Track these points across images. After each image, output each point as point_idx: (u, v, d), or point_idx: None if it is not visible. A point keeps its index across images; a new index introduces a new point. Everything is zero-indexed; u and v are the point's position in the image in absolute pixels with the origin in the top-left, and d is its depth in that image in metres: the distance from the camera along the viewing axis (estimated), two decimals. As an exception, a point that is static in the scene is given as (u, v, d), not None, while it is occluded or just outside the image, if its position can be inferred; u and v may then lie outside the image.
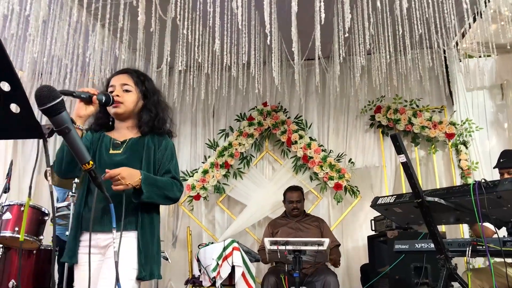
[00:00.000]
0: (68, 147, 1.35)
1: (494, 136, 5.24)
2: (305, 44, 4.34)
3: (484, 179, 2.58)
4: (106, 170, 1.72)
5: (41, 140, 1.08)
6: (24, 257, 3.83)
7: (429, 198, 2.65)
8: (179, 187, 1.98)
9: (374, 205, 3.06)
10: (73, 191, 3.69)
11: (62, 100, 1.17)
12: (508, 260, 3.34)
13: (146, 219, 1.90)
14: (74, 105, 1.85)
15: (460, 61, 5.22)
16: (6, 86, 1.00)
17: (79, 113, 1.80)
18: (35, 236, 3.69)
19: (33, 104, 1.06)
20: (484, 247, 2.68)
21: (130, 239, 1.84)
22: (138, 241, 1.84)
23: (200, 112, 5.55)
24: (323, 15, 2.74)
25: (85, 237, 1.89)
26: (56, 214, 3.82)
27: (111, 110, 1.97)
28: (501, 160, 3.36)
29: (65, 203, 3.85)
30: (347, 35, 3.30)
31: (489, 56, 5.12)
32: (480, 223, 2.53)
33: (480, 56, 4.75)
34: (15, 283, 3.68)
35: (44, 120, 1.23)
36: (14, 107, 1.02)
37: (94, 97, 1.80)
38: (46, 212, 3.82)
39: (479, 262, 4.32)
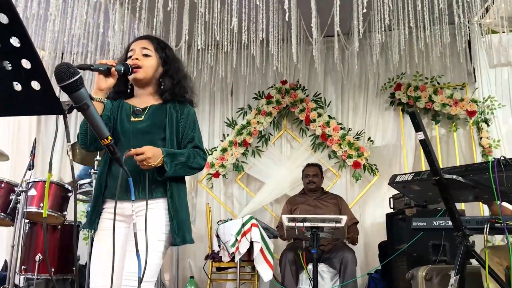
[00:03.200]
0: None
1: (517, 113, 5.15)
2: (324, 20, 4.30)
3: (504, 157, 2.57)
4: (132, 150, 1.74)
5: (61, 116, 1.11)
6: (49, 232, 3.95)
7: (447, 176, 2.65)
8: (202, 155, 1.98)
9: (392, 182, 3.07)
10: (95, 168, 3.78)
11: (81, 77, 1.20)
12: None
13: (174, 186, 1.92)
14: (94, 78, 1.87)
15: (483, 36, 5.11)
16: (27, 64, 1.03)
17: (99, 86, 1.79)
18: (59, 211, 3.81)
19: (53, 82, 1.10)
20: (502, 224, 2.68)
21: (158, 207, 1.87)
22: (169, 208, 1.86)
23: (219, 91, 5.56)
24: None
25: (108, 204, 1.92)
26: (79, 191, 3.91)
27: (130, 76, 1.95)
28: None
29: (87, 180, 3.94)
30: (365, 10, 3.26)
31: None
32: (499, 201, 2.52)
33: (504, 32, 4.64)
34: (41, 257, 3.82)
35: (63, 97, 1.26)
36: (35, 84, 1.05)
37: (113, 68, 1.79)
38: (70, 188, 3.93)
39: (498, 239, 4.30)
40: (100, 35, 3.81)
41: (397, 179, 3.03)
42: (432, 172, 2.67)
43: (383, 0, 3.65)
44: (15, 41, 1.00)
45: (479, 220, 2.83)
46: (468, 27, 4.80)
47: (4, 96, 1.08)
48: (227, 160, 5.19)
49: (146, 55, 1.97)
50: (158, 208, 1.87)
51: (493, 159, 2.51)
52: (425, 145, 2.63)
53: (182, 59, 4.11)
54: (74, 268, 4.04)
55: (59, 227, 3.97)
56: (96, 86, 1.79)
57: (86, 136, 1.86)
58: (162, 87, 2.00)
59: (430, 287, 3.36)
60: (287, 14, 3.26)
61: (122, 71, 1.85)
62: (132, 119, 1.95)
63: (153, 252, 1.78)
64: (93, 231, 1.93)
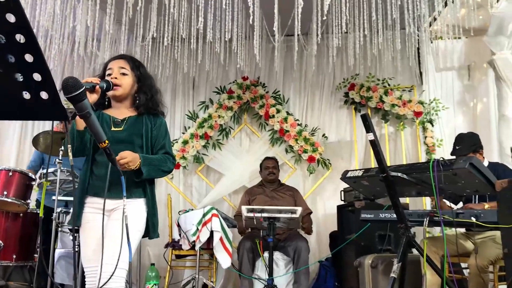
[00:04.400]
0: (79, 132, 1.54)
1: (460, 115, 5.57)
2: (285, 19, 4.50)
3: (442, 158, 2.88)
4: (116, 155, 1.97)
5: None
6: (11, 219, 3.99)
7: (393, 173, 2.93)
8: (172, 160, 2.29)
9: (344, 177, 3.34)
10: (60, 158, 3.84)
11: (85, 89, 1.38)
12: (462, 230, 3.70)
13: (149, 188, 2.21)
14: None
15: (432, 42, 5.49)
16: (38, 77, 1.19)
17: None
18: (22, 199, 3.86)
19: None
20: (439, 218, 3.00)
21: (139, 205, 2.17)
22: (148, 207, 2.17)
23: (181, 84, 5.68)
24: None
25: (89, 200, 2.17)
26: (44, 179, 3.96)
27: (109, 92, 2.19)
28: (456, 148, 3.61)
29: (52, 169, 4.00)
30: (325, 18, 3.49)
31: (459, 38, 5.40)
32: (437, 197, 2.83)
33: (449, 38, 5.02)
34: (2, 244, 3.87)
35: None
36: (44, 94, 1.21)
37: (97, 86, 1.98)
38: (33, 177, 3.99)
39: (437, 231, 4.68)
40: (67, 26, 3.87)
41: (349, 174, 3.30)
42: (380, 170, 2.95)
43: (340, 5, 3.88)
44: (29, 58, 1.16)
45: (420, 213, 3.14)
46: (418, 34, 5.17)
47: (13, 103, 1.23)
48: (188, 152, 5.34)
49: (123, 74, 2.23)
50: (139, 205, 2.17)
51: (434, 160, 2.82)
52: (374, 145, 2.91)
53: (148, 53, 4.24)
54: (35, 255, 4.11)
55: (21, 215, 4.02)
56: None
57: (73, 144, 2.07)
58: (137, 101, 2.27)
59: (375, 274, 3.67)
60: (251, 18, 3.43)
61: (104, 88, 2.07)
62: (113, 128, 2.21)
63: (133, 240, 2.05)
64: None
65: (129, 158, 2.01)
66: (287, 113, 5.40)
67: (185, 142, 5.35)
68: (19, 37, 1.13)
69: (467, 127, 5.44)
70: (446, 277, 2.80)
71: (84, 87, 1.37)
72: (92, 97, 1.96)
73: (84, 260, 2.14)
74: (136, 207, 2.14)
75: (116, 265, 1.84)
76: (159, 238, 4.88)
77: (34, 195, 4.20)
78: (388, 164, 5.15)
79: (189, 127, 5.51)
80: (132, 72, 2.27)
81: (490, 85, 5.15)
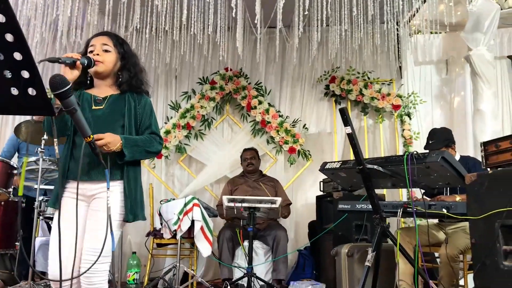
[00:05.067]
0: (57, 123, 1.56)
1: (438, 109, 5.72)
2: (267, 12, 4.55)
3: (416, 152, 2.99)
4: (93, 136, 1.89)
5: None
6: (-8, 208, 4.00)
7: (369, 166, 3.03)
8: (159, 140, 2.21)
9: (322, 169, 3.43)
10: (42, 147, 3.86)
11: (71, 87, 1.42)
12: (435, 220, 3.84)
13: (131, 170, 2.13)
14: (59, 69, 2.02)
15: (410, 37, 5.60)
16: (26, 74, 1.24)
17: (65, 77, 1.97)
18: (4, 188, 3.88)
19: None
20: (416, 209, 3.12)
21: (116, 189, 2.06)
22: (124, 189, 2.08)
23: (163, 74, 5.70)
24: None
25: (70, 184, 2.09)
26: (27, 168, 3.97)
27: (91, 69, 2.12)
28: (430, 142, 3.73)
29: (33, 158, 4.01)
30: (307, 13, 3.56)
31: (437, 33, 5.52)
32: (410, 188, 2.94)
33: (431, 33, 5.14)
34: (-16, 232, 3.88)
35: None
36: (31, 91, 1.26)
37: (78, 62, 1.96)
38: (15, 166, 4.00)
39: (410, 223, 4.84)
40: (50, 15, 3.86)
41: (327, 166, 3.40)
42: (356, 162, 3.05)
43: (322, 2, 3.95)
44: (18, 56, 1.21)
45: (394, 204, 3.25)
46: (397, 28, 5.28)
47: (2, 98, 1.28)
48: (170, 142, 5.39)
49: (106, 51, 2.16)
50: (116, 190, 2.07)
51: (408, 153, 2.92)
52: (352, 138, 3.00)
53: (131, 44, 4.25)
54: (16, 244, 4.13)
55: (2, 203, 4.03)
56: None
57: (57, 135, 1.99)
58: (120, 79, 2.20)
59: (351, 262, 3.78)
60: (234, 11, 3.48)
61: (85, 64, 2.02)
62: (94, 107, 2.13)
63: (113, 231, 1.97)
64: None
65: (107, 139, 1.93)
66: (269, 104, 5.48)
67: (167, 132, 5.39)
68: (9, 37, 1.18)
69: (445, 121, 5.60)
70: (418, 265, 2.92)
71: (70, 84, 1.41)
72: (73, 73, 1.94)
73: (55, 247, 1.99)
74: (113, 194, 2.05)
75: (97, 258, 1.82)
76: (141, 227, 5.05)
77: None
78: (367, 156, 5.35)
79: (171, 117, 5.55)
80: (115, 49, 2.19)
81: (467, 80, 5.30)
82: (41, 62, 1.72)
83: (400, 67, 5.57)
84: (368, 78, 5.50)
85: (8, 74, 1.24)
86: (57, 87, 1.38)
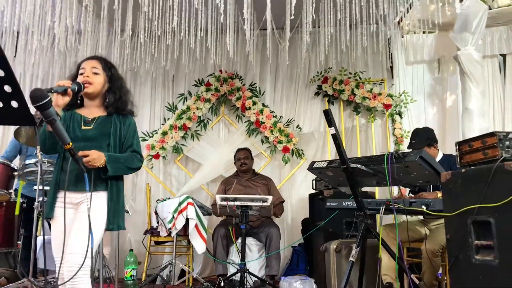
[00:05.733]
0: (51, 132, 1.75)
1: (430, 107, 5.82)
2: (260, 14, 4.65)
3: (396, 151, 3.11)
4: (80, 152, 2.11)
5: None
6: (-6, 208, 4.16)
7: (352, 165, 3.16)
8: (139, 158, 2.45)
9: (310, 168, 3.56)
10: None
11: (50, 99, 1.57)
12: (420, 217, 3.96)
13: (114, 183, 2.36)
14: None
15: (403, 37, 5.71)
16: (8, 88, 1.38)
17: (57, 103, 2.12)
18: (5, 189, 4.05)
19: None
20: (397, 206, 3.24)
21: (101, 197, 2.30)
22: (108, 201, 2.30)
23: (160, 76, 5.85)
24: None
25: (60, 194, 2.31)
26: (25, 170, 4.14)
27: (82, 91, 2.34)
28: (412, 142, 3.85)
29: (33, 160, 4.17)
30: (292, 17, 3.67)
31: (429, 33, 5.62)
32: (390, 186, 3.06)
33: (423, 32, 5.21)
34: (-14, 232, 4.04)
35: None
36: (14, 103, 1.40)
37: (69, 90, 2.15)
38: (16, 168, 4.16)
39: (403, 218, 4.93)
40: (47, 22, 4.00)
41: (315, 165, 3.53)
42: (340, 161, 3.18)
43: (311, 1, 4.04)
44: (1, 73, 1.35)
45: (378, 202, 3.37)
46: (389, 28, 5.38)
47: (-12, 110, 1.42)
48: (167, 142, 5.54)
49: (95, 73, 2.38)
50: (101, 198, 2.30)
51: (388, 153, 3.04)
52: (336, 138, 3.13)
53: (126, 49, 4.40)
54: (19, 242, 4.29)
55: (4, 203, 4.19)
56: (55, 103, 2.11)
57: (45, 143, 2.21)
58: (106, 101, 2.43)
59: (339, 258, 3.90)
60: (222, 17, 3.60)
61: (76, 90, 2.23)
62: (83, 127, 2.36)
63: (97, 231, 2.20)
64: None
65: (93, 155, 2.16)
66: (263, 105, 5.60)
67: (164, 133, 5.54)
68: (-9, 56, 1.32)
69: (437, 119, 5.71)
70: (398, 258, 3.04)
71: (49, 97, 1.57)
72: (65, 100, 2.12)
73: (55, 250, 2.28)
74: (99, 200, 2.27)
75: (86, 254, 2.02)
76: (140, 226, 5.19)
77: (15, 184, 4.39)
78: (359, 155, 5.45)
79: (168, 119, 5.69)
80: (104, 72, 2.42)
81: (459, 79, 5.38)
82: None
83: (391, 67, 5.66)
84: (360, 78, 5.60)
85: (-8, 89, 1.38)
86: (37, 100, 1.54)
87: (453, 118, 5.53)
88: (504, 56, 5.64)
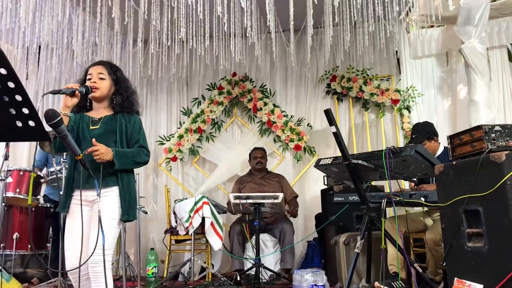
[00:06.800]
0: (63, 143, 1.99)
1: (440, 99, 5.90)
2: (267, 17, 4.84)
3: (393, 146, 3.27)
4: (88, 149, 2.33)
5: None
6: (25, 213, 4.48)
7: (354, 161, 3.33)
8: (146, 153, 2.60)
9: (317, 165, 3.74)
10: (64, 157, 4.31)
11: (61, 118, 1.81)
12: (425, 208, 4.09)
13: (124, 177, 2.53)
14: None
15: (408, 32, 5.81)
16: (26, 111, 1.61)
17: (66, 104, 2.37)
18: (33, 195, 4.36)
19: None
20: (398, 199, 3.40)
21: (113, 193, 2.48)
22: (120, 194, 2.48)
23: (175, 82, 6.12)
24: None
25: (75, 193, 2.52)
26: (50, 177, 4.45)
27: (90, 95, 2.54)
28: (413, 136, 3.98)
29: (58, 167, 4.47)
30: (293, 23, 3.85)
31: (437, 26, 5.71)
32: (389, 180, 3.21)
33: (429, 27, 5.29)
34: (18, 235, 4.36)
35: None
36: (31, 123, 1.63)
37: (77, 91, 2.36)
38: (42, 175, 4.47)
39: (408, 210, 5.05)
40: (65, 37, 4.30)
41: (321, 162, 3.70)
42: (342, 158, 3.35)
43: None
44: (19, 97, 1.58)
45: (381, 195, 3.53)
46: (393, 25, 5.47)
47: (9, 129, 1.66)
48: (184, 145, 5.79)
49: (101, 78, 2.58)
50: (113, 194, 2.49)
51: (386, 148, 3.20)
52: (337, 136, 3.30)
53: (141, 59, 4.66)
54: (48, 245, 4.61)
55: (33, 209, 4.50)
56: (64, 104, 2.37)
57: (60, 150, 2.44)
58: (114, 102, 2.62)
59: (348, 250, 4.06)
60: (226, 25, 3.81)
61: (83, 92, 2.45)
62: (91, 127, 2.56)
63: (110, 228, 2.40)
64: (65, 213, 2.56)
65: (101, 150, 2.34)
66: (274, 105, 5.80)
67: (181, 137, 5.80)
68: (11, 84, 1.55)
69: (448, 111, 5.79)
70: (399, 248, 3.19)
71: (60, 117, 1.81)
72: (73, 101, 2.34)
73: (66, 243, 2.48)
74: (110, 197, 2.44)
75: (94, 248, 2.21)
76: (161, 226, 5.46)
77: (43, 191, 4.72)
78: (370, 149, 5.58)
79: (184, 122, 5.95)
80: (109, 76, 2.59)
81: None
82: (45, 95, 2.12)
83: (398, 62, 5.77)
84: (367, 75, 5.73)
85: (12, 111, 1.62)
86: (50, 119, 1.79)
87: (464, 110, 5.60)
88: (513, 45, 5.68)
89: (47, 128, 1.72)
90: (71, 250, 2.43)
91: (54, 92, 2.25)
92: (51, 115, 1.80)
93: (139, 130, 2.63)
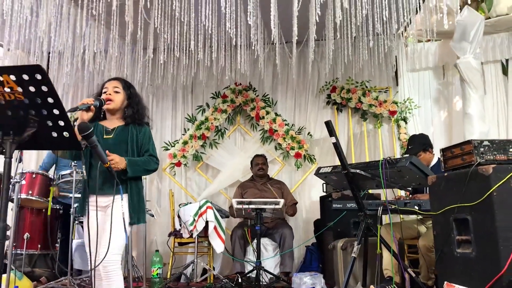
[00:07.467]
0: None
1: (436, 112, 6.11)
2: (270, 28, 5.03)
3: (390, 157, 3.46)
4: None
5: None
6: (35, 214, 4.66)
7: (352, 170, 3.52)
8: (155, 161, 2.83)
9: (317, 173, 3.93)
10: (75, 162, 4.50)
11: (93, 130, 2.02)
12: (419, 216, 4.28)
13: (134, 184, 2.75)
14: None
15: (407, 46, 6.03)
16: (62, 123, 1.81)
17: (82, 118, 2.55)
18: (44, 197, 4.54)
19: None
20: (393, 207, 3.59)
21: (124, 198, 2.66)
22: (129, 200, 2.69)
23: (180, 90, 6.33)
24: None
25: (90, 198, 2.69)
26: (61, 180, 4.64)
27: (105, 106, 2.78)
28: (409, 147, 4.19)
29: (68, 171, 4.66)
30: (296, 36, 4.06)
31: (435, 40, 5.91)
32: (385, 189, 3.40)
33: (426, 41, 5.49)
34: (29, 235, 4.54)
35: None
36: (66, 133, 1.83)
37: (92, 106, 2.58)
38: (53, 177, 4.66)
39: (403, 217, 5.24)
40: (78, 47, 4.50)
41: (321, 171, 3.89)
42: (341, 167, 3.54)
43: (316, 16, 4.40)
44: (56, 111, 1.78)
45: (377, 203, 3.73)
46: (394, 38, 5.69)
47: (46, 139, 1.86)
48: (188, 151, 5.99)
49: (116, 92, 2.82)
50: (124, 199, 2.66)
51: (383, 159, 3.39)
52: (336, 147, 3.50)
53: (149, 69, 4.87)
54: (56, 245, 4.78)
55: (43, 210, 4.68)
56: (80, 118, 2.56)
57: (76, 158, 2.69)
58: (126, 113, 2.86)
59: (345, 255, 4.25)
60: (234, 40, 4.01)
61: (98, 106, 2.67)
62: (105, 136, 2.78)
63: (121, 232, 2.57)
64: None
65: (116, 159, 2.54)
66: (276, 114, 6.01)
67: (185, 143, 6.00)
68: (50, 99, 1.75)
69: (444, 123, 6.00)
70: (393, 253, 3.38)
71: (92, 129, 2.02)
72: (88, 114, 2.55)
73: (87, 246, 2.65)
74: (122, 201, 2.63)
75: (108, 248, 2.40)
76: (165, 228, 5.65)
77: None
78: (368, 159, 5.79)
79: (188, 129, 6.15)
80: (124, 91, 2.84)
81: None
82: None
83: (396, 75, 5.98)
84: (366, 87, 5.95)
85: (49, 123, 1.81)
86: (83, 131, 2.00)
87: (460, 121, 5.79)
88: (507, 61, 5.89)
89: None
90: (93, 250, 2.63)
91: (72, 110, 2.46)
92: (84, 127, 2.01)
93: (149, 140, 2.86)
